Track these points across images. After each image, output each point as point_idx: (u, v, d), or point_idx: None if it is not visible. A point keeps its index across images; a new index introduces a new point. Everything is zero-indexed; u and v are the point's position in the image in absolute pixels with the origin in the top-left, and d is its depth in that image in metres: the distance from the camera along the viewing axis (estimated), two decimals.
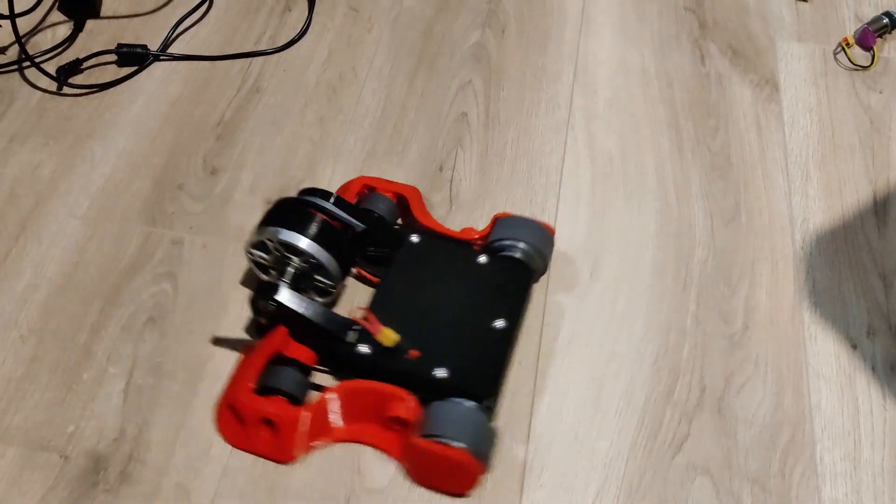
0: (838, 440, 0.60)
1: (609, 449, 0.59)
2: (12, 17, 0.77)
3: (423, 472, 0.56)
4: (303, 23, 0.87)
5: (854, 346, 0.65)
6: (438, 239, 0.66)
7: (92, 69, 0.82)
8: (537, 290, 0.67)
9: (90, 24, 0.86)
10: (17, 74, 0.81)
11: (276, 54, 0.84)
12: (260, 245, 0.62)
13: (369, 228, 0.64)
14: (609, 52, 0.86)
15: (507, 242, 0.65)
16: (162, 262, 0.68)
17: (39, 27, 0.86)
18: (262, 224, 0.61)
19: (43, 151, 0.75)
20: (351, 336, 0.59)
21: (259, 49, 0.84)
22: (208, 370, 0.62)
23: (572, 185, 0.74)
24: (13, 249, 0.68)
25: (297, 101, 0.80)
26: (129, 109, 0.79)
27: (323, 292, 0.63)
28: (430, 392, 0.56)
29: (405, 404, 0.56)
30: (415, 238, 0.66)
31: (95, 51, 0.82)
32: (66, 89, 0.80)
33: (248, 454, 0.58)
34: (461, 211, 0.72)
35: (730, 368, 0.63)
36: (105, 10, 0.88)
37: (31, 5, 0.84)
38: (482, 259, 0.64)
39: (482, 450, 0.55)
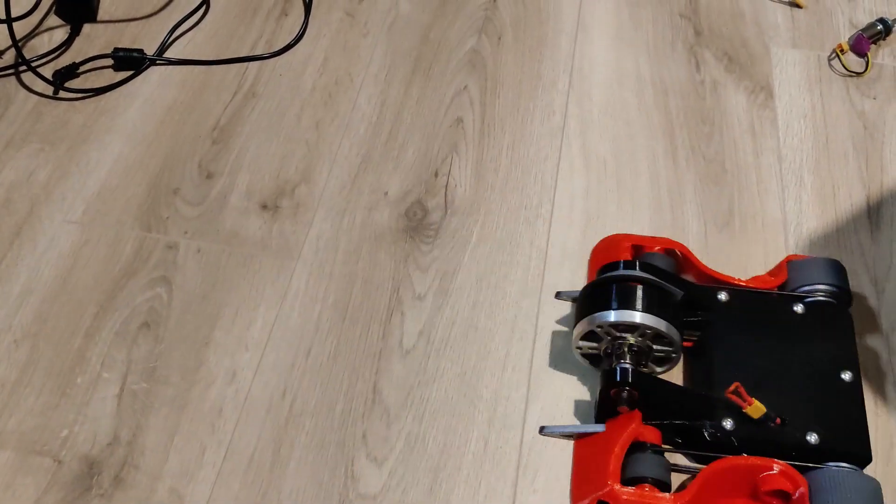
0: None
1: None
2: (9, 20, 0.77)
3: None
4: (299, 28, 0.87)
5: None
6: (747, 293, 0.63)
7: (88, 73, 0.82)
8: (530, 294, 0.67)
9: (87, 27, 0.87)
10: (13, 78, 0.81)
11: (273, 59, 0.85)
12: (588, 336, 0.60)
13: (684, 291, 0.61)
14: (604, 59, 0.86)
15: (811, 287, 0.62)
16: (157, 266, 0.68)
17: (36, 31, 0.86)
18: (582, 314, 0.60)
19: (38, 156, 0.75)
20: (718, 413, 0.56)
21: (255, 54, 0.85)
22: (202, 375, 0.62)
23: (567, 190, 0.75)
24: (8, 254, 0.68)
25: (293, 105, 0.80)
26: (124, 114, 0.79)
27: (662, 361, 0.61)
28: (800, 460, 0.54)
29: (786, 475, 0.53)
30: (723, 296, 0.62)
31: (92, 55, 0.83)
32: (61, 93, 0.80)
33: (241, 460, 0.58)
34: (456, 216, 0.72)
35: None
36: (102, 14, 0.88)
37: (28, 9, 0.84)
38: (799, 309, 0.61)
39: None
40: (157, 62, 0.84)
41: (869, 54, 0.87)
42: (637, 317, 0.58)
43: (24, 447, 0.58)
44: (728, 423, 0.56)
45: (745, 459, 0.55)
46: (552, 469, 0.58)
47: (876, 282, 0.69)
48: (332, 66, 0.84)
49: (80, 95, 0.80)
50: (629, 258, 0.64)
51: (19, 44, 0.81)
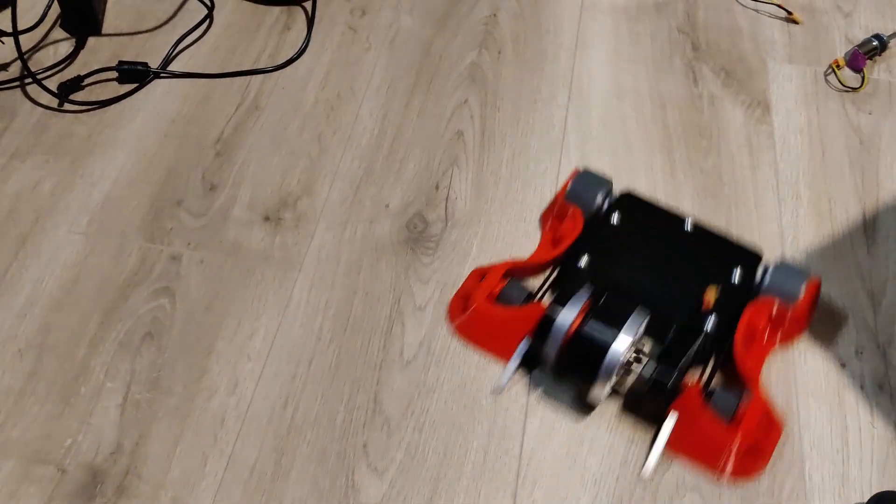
0: (827, 457, 0.61)
1: (600, 465, 0.60)
2: (15, 33, 0.78)
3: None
4: (301, 42, 0.88)
5: (843, 365, 0.66)
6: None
7: (93, 86, 0.83)
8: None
9: (91, 41, 0.88)
10: (18, 91, 0.82)
11: (275, 72, 0.86)
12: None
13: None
14: (603, 74, 0.87)
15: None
16: (160, 277, 0.68)
17: (42, 44, 0.87)
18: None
19: (43, 168, 0.76)
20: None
21: (258, 67, 0.86)
22: (205, 385, 0.62)
23: None
24: (13, 264, 0.69)
25: (295, 118, 0.81)
26: (128, 126, 0.80)
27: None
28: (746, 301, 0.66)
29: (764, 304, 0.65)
30: (582, 262, 0.68)
31: (96, 68, 0.84)
32: (66, 106, 0.81)
33: (243, 470, 0.58)
34: (456, 228, 0.73)
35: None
36: (107, 27, 0.89)
37: (34, 22, 0.85)
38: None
39: None
40: (161, 75, 0.85)
41: (865, 70, 0.88)
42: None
43: (28, 456, 0.58)
44: (709, 325, 0.63)
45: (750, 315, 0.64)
46: (551, 479, 0.59)
47: (872, 295, 0.70)
48: (335, 79, 0.85)
49: (84, 108, 0.81)
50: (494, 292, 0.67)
51: (25, 56, 0.82)
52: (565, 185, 0.72)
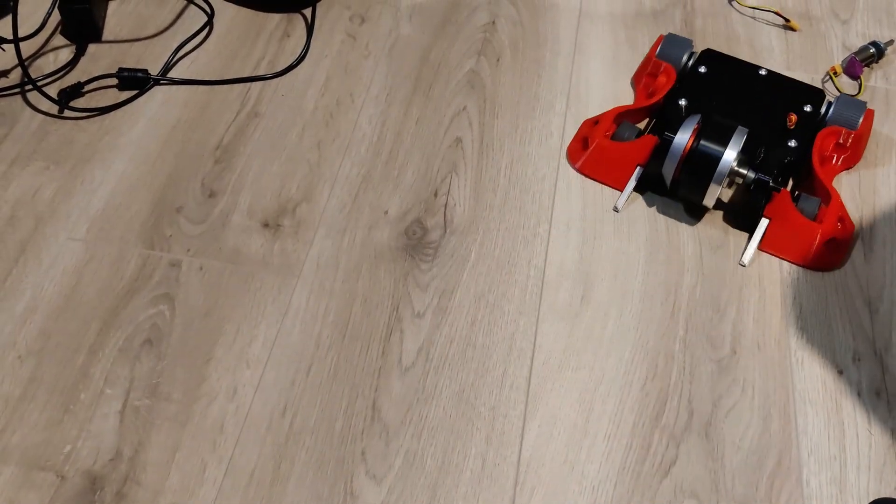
0: (824, 464, 0.61)
1: (598, 472, 0.60)
2: (16, 40, 0.79)
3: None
4: (301, 49, 0.89)
5: (840, 372, 0.66)
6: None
7: (93, 93, 0.83)
8: (528, 313, 0.68)
9: (92, 48, 0.88)
10: (19, 98, 0.83)
11: (275, 79, 0.86)
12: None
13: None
14: (601, 81, 0.88)
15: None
16: (160, 284, 0.69)
17: (42, 50, 0.87)
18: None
19: (43, 174, 0.76)
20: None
21: (258, 74, 0.86)
22: (204, 391, 0.63)
23: (564, 210, 0.76)
24: (13, 270, 0.69)
25: (294, 125, 0.82)
26: (128, 133, 0.80)
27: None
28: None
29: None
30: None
31: (97, 74, 0.84)
32: (66, 113, 0.81)
33: (242, 476, 0.59)
34: (455, 235, 0.73)
35: (717, 393, 0.64)
36: (107, 34, 0.90)
37: (34, 29, 0.85)
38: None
39: None
40: (161, 82, 0.85)
41: (862, 77, 0.88)
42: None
43: (27, 462, 0.58)
44: (792, 143, 0.77)
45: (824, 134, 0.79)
46: (550, 486, 0.59)
47: (870, 302, 0.70)
48: (334, 86, 0.86)
49: (85, 115, 0.81)
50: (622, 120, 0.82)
51: (25, 63, 0.82)
52: (654, 47, 0.86)
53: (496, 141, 0.81)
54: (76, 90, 0.82)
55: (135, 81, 0.84)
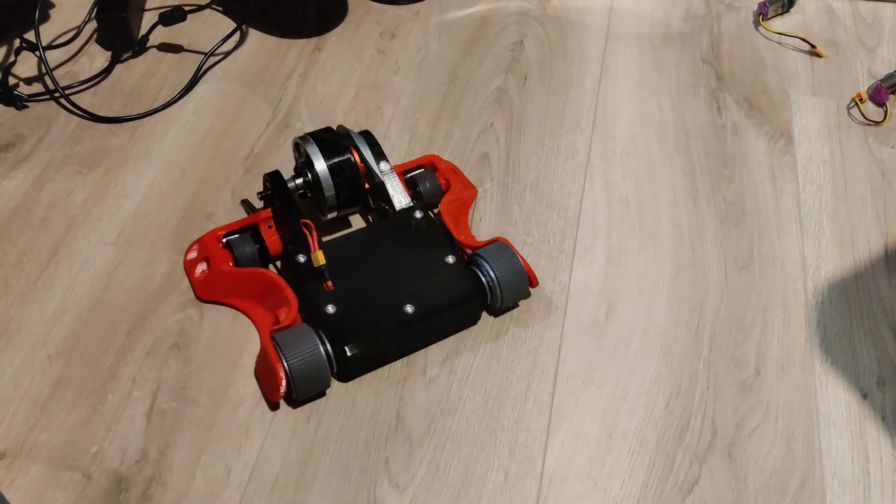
0: (848, 487, 0.61)
1: (621, 489, 0.60)
2: (40, 48, 0.80)
3: (259, 365, 0.65)
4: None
5: (864, 396, 0.66)
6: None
7: (127, 100, 0.85)
8: (553, 328, 0.68)
9: (125, 57, 0.89)
10: (54, 103, 0.84)
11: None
12: (295, 146, 0.72)
13: (379, 185, 0.73)
14: (628, 101, 0.89)
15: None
16: (188, 289, 0.69)
17: (76, 56, 0.89)
18: (308, 134, 0.71)
19: (76, 178, 0.77)
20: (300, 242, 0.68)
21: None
22: (230, 395, 0.63)
23: (589, 228, 0.76)
24: (45, 272, 0.70)
25: None
26: (161, 140, 0.81)
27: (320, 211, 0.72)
28: (315, 320, 0.64)
29: (289, 311, 0.64)
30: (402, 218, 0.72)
31: (131, 82, 0.85)
32: (100, 118, 0.83)
33: (266, 482, 0.59)
34: None
35: (741, 413, 0.64)
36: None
37: (70, 36, 0.87)
38: (450, 259, 0.69)
39: (297, 379, 0.61)
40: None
41: (887, 104, 0.88)
42: (320, 166, 0.70)
43: (54, 461, 0.59)
44: (301, 258, 0.68)
45: (280, 279, 0.67)
46: (572, 501, 0.59)
47: (894, 327, 0.70)
48: (363, 100, 0.87)
49: (118, 120, 0.83)
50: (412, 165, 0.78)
51: (59, 68, 0.83)
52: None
53: (522, 157, 0.82)
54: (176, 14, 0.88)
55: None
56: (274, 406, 0.63)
